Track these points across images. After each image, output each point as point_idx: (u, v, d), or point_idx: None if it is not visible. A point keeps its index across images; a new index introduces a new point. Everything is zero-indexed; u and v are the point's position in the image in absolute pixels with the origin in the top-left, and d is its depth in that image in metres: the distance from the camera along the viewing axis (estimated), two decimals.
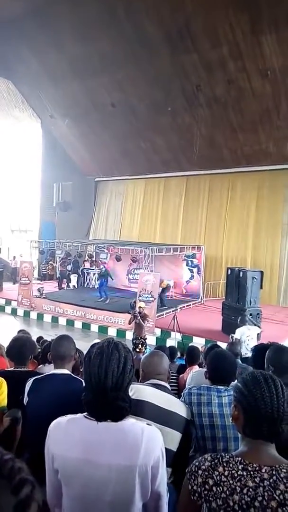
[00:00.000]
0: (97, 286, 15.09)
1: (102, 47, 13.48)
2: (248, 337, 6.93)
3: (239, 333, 7.07)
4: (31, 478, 0.52)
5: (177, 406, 1.99)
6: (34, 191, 19.59)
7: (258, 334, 7.19)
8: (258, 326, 8.61)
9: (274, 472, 1.12)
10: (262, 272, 10.40)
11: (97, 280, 15.01)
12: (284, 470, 1.13)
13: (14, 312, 13.94)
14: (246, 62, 12.09)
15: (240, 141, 14.59)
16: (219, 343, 8.42)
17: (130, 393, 1.78)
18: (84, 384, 2.15)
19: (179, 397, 2.23)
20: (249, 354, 5.46)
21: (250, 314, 9.64)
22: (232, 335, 7.28)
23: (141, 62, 13.42)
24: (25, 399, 2.17)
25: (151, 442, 1.31)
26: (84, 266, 17.66)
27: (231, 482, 1.13)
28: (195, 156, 15.00)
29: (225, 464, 1.17)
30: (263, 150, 14.41)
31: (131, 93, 14.74)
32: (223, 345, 5.81)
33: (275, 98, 12.61)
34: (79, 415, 1.36)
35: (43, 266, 18.13)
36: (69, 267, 16.91)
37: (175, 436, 1.91)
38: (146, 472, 1.28)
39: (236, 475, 1.13)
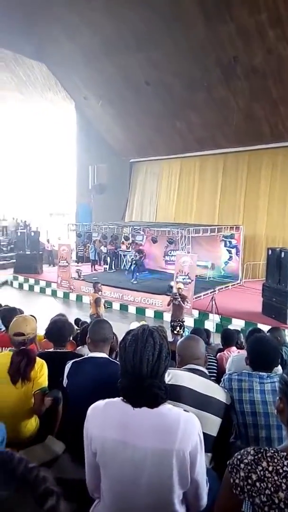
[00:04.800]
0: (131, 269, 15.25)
1: (135, 24, 13.10)
2: None
3: None
4: (56, 489, 0.50)
5: (216, 391, 1.95)
6: (70, 174, 19.79)
7: None
8: None
9: None
10: None
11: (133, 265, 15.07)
12: None
13: (54, 293, 14.39)
14: (287, 30, 11.31)
15: (281, 115, 13.84)
16: (259, 325, 8.28)
17: (167, 378, 1.75)
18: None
19: (219, 379, 2.18)
20: None
21: None
22: None
23: (175, 37, 12.93)
24: (65, 381, 2.21)
25: (188, 427, 1.30)
26: (120, 248, 17.79)
27: (276, 478, 1.08)
28: (232, 132, 14.43)
29: (269, 459, 1.12)
30: None
31: (165, 70, 14.31)
32: (264, 328, 5.66)
33: None
34: (116, 399, 1.38)
35: (80, 248, 18.44)
36: (104, 249, 17.07)
37: (215, 421, 1.88)
38: (184, 458, 1.27)
39: (281, 471, 1.09)
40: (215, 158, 17.52)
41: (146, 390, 1.29)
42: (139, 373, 1.29)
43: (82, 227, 16.13)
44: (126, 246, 17.56)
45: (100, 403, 1.40)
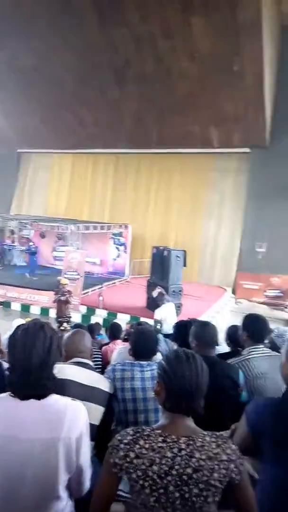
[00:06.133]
0: (23, 263, 14.58)
1: (25, 11, 12.41)
2: (166, 315, 7.13)
3: (158, 313, 7.29)
4: None
5: (100, 382, 2.04)
6: None
7: (176, 309, 7.39)
8: (179, 307, 8.96)
9: (190, 442, 1.21)
10: (185, 252, 10.86)
11: (24, 257, 14.44)
12: (200, 440, 1.22)
13: None
14: (176, 42, 12.09)
15: (167, 123, 14.72)
16: (143, 319, 8.71)
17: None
18: (2, 365, 2.10)
19: (103, 371, 2.27)
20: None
21: (173, 291, 10.07)
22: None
23: (67, 32, 12.64)
24: None
25: (75, 415, 1.36)
26: (4, 242, 16.74)
27: (151, 454, 1.19)
28: (123, 134, 14.80)
29: (146, 438, 1.23)
30: (189, 132, 14.73)
31: (55, 61, 13.88)
32: (148, 321, 6.00)
33: (201, 81, 12.85)
34: (3, 394, 1.37)
35: None
36: None
37: (98, 410, 1.97)
38: (70, 445, 1.32)
39: (155, 447, 1.20)
40: (107, 157, 17.77)
41: (34, 382, 1.31)
42: (28, 366, 1.31)
43: None
44: (12, 240, 16.64)
45: None
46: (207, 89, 12.93)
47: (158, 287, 8.48)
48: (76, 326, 5.23)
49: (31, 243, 14.86)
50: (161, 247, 11.25)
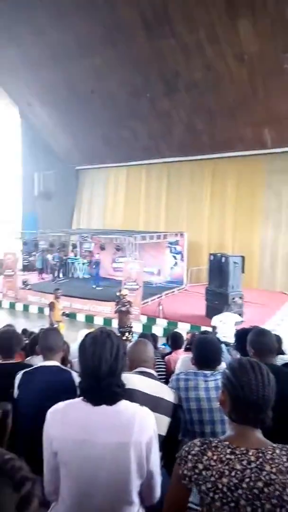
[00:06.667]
0: (85, 275, 15.23)
1: (79, 32, 13.14)
2: (221, 323, 7.01)
3: (215, 320, 7.19)
4: (31, 476, 0.57)
5: (165, 392, 2.04)
6: (15, 181, 19.16)
7: (237, 322, 7.25)
8: (240, 315, 8.73)
9: (260, 455, 1.17)
10: (243, 257, 10.57)
11: (85, 270, 15.08)
12: (270, 452, 1.18)
13: None
14: (223, 46, 12.01)
15: (218, 127, 14.59)
16: (203, 327, 8.61)
17: None
18: (72, 374, 2.21)
19: (167, 380, 2.28)
20: (225, 340, 5.60)
21: (233, 299, 9.82)
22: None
23: (118, 47, 13.16)
24: (15, 392, 2.19)
25: (144, 420, 1.39)
26: (68, 256, 17.54)
27: (219, 466, 1.17)
28: (175, 142, 14.89)
29: (213, 449, 1.21)
30: (240, 135, 14.47)
31: (109, 78, 14.48)
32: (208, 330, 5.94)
33: (251, 83, 12.62)
34: (76, 399, 1.43)
35: (26, 257, 17.90)
36: (51, 257, 16.77)
37: (164, 421, 1.96)
38: (141, 450, 1.35)
39: (224, 459, 1.18)
40: (159, 167, 17.98)
41: (105, 388, 1.36)
42: (98, 372, 1.36)
43: (28, 235, 15.68)
44: (75, 254, 17.39)
45: (59, 405, 1.43)
46: (258, 90, 12.67)
47: None
48: (142, 335, 5.30)
49: (95, 256, 15.47)
50: (218, 254, 11.06)
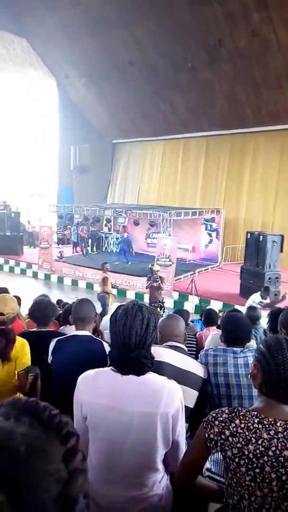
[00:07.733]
0: (117, 250, 15.36)
1: (120, 1, 12.77)
2: (254, 303, 6.95)
3: (251, 299, 7.12)
4: (75, 431, 0.60)
5: (194, 366, 2.07)
6: (52, 154, 19.39)
7: (273, 297, 7.18)
8: (276, 295, 8.60)
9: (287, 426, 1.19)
10: (282, 236, 10.25)
11: (118, 245, 15.23)
12: None
13: (35, 275, 14.31)
14: (272, 13, 11.26)
15: (264, 99, 13.89)
16: (236, 306, 8.50)
17: None
18: (103, 344, 2.26)
19: (197, 357, 2.30)
20: None
21: (269, 278, 9.62)
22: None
23: (159, 15, 12.68)
24: (50, 357, 2.30)
25: (171, 392, 1.42)
26: (102, 230, 17.73)
27: (246, 433, 1.20)
28: (216, 115, 14.39)
29: (241, 417, 1.23)
30: (287, 107, 13.71)
31: (149, 49, 14.07)
32: (241, 309, 5.86)
33: None
34: (106, 368, 1.48)
35: (60, 230, 18.28)
36: (86, 231, 17.04)
37: (192, 394, 2.00)
38: (167, 420, 1.39)
39: (252, 427, 1.20)
40: (198, 141, 17.49)
41: (134, 359, 1.39)
42: (128, 343, 1.39)
43: (63, 209, 15.96)
44: (108, 228, 17.54)
45: (90, 372, 1.49)
46: None
47: None
48: (177, 311, 5.32)
49: (125, 234, 15.60)
50: (256, 232, 10.77)
